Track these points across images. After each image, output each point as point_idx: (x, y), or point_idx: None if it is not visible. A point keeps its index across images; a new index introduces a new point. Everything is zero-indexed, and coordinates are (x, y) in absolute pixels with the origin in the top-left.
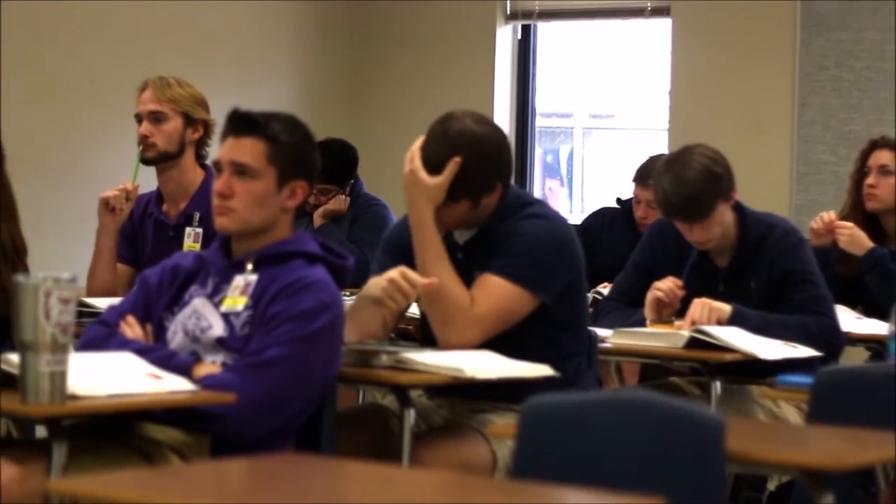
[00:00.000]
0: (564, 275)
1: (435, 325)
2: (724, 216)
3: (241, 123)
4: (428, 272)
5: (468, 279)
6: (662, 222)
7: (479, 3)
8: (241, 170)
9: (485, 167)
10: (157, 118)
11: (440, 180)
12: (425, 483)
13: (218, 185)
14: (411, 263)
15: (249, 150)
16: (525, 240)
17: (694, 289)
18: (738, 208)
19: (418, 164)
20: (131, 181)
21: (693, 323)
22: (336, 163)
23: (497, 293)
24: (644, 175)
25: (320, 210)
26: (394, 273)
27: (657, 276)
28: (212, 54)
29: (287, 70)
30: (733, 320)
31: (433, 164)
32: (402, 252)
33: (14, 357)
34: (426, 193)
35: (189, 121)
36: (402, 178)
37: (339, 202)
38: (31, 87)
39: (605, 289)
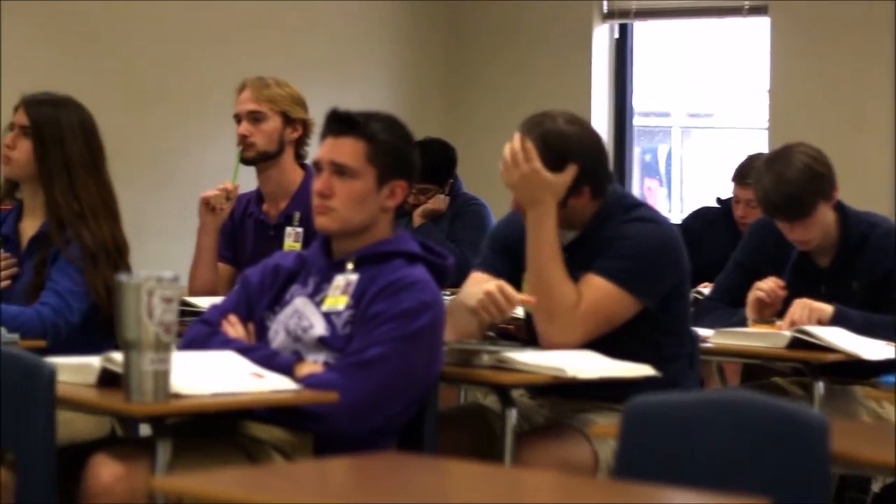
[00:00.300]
0: (668, 280)
1: (540, 321)
2: (826, 216)
3: (340, 123)
4: (541, 269)
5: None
6: (764, 221)
7: (577, 2)
8: (340, 170)
9: (589, 170)
10: (255, 118)
11: (564, 178)
12: (528, 483)
13: (318, 184)
14: (517, 260)
15: (349, 149)
16: (631, 243)
17: (795, 289)
18: (840, 207)
19: (539, 162)
20: (231, 181)
21: (793, 323)
22: (435, 162)
23: (600, 294)
24: (743, 174)
25: (420, 210)
26: (492, 286)
27: (758, 276)
28: (310, 55)
29: (385, 70)
30: (835, 321)
31: (549, 164)
32: (508, 249)
33: (118, 356)
34: (552, 190)
35: (288, 120)
36: (499, 177)
37: (439, 201)
38: (132, 89)
39: (705, 288)
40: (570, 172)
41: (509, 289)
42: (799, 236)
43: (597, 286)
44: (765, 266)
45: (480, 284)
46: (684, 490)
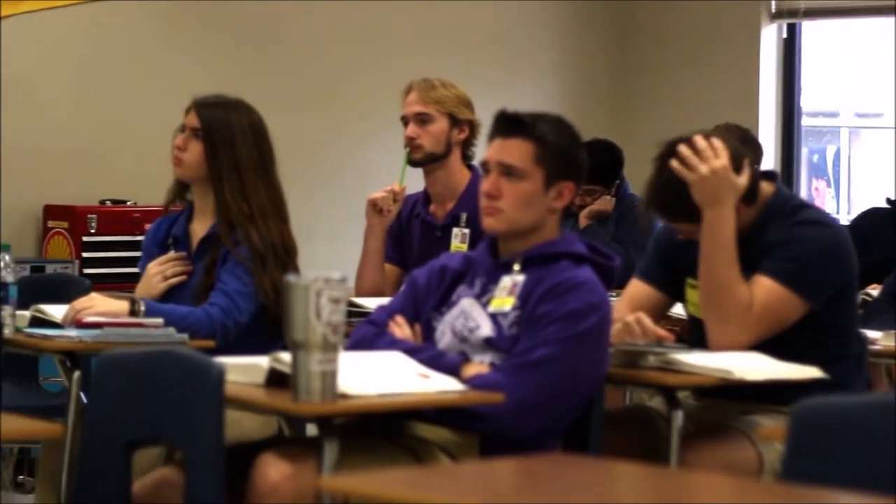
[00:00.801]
0: (836, 281)
1: (710, 322)
2: None
3: (508, 124)
4: (716, 270)
5: None
6: None
7: (744, 2)
8: (508, 170)
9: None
10: (422, 119)
11: (744, 180)
12: (694, 485)
13: (486, 185)
14: (679, 266)
15: (517, 150)
16: (801, 246)
17: None
18: None
19: (727, 159)
20: (398, 183)
21: None
22: (602, 163)
23: (770, 296)
24: None
25: (586, 211)
26: (630, 318)
27: None
28: (476, 56)
29: (551, 71)
30: None
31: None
32: (670, 254)
33: (286, 356)
34: (735, 189)
35: (454, 121)
36: None
37: (605, 203)
38: (301, 91)
39: (873, 290)
40: (748, 174)
41: (647, 321)
42: None
43: (767, 287)
44: None
45: (622, 314)
46: (853, 494)
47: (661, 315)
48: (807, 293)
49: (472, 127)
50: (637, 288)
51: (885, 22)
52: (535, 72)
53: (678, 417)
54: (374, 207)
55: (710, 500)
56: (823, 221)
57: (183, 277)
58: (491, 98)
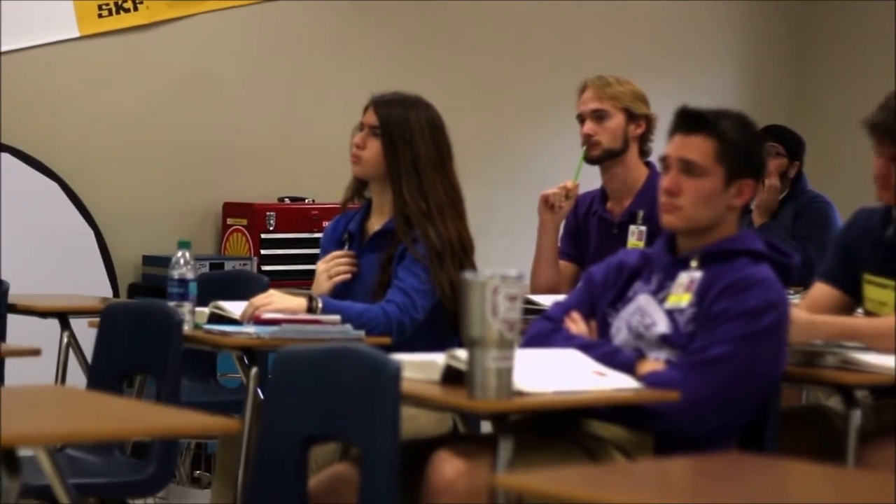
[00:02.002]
0: None
1: None
2: None
3: (690, 121)
4: None
5: None
6: None
7: None
8: (688, 167)
9: None
10: (599, 116)
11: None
12: (873, 484)
13: (666, 182)
14: (857, 266)
15: (698, 147)
16: None
17: None
18: None
19: None
20: (573, 180)
21: None
22: (788, 131)
23: None
24: None
25: (755, 209)
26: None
27: None
28: (654, 52)
29: (731, 67)
30: None
31: None
32: (848, 255)
33: (462, 353)
34: None
35: (631, 117)
36: (847, 175)
37: (771, 192)
38: (477, 88)
39: None
40: None
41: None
42: None
43: None
44: None
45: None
46: None
47: (844, 315)
48: None
49: (649, 121)
50: (820, 290)
51: None
52: (715, 69)
53: (856, 416)
54: (546, 204)
55: (889, 501)
56: None
57: (347, 276)
58: (669, 94)
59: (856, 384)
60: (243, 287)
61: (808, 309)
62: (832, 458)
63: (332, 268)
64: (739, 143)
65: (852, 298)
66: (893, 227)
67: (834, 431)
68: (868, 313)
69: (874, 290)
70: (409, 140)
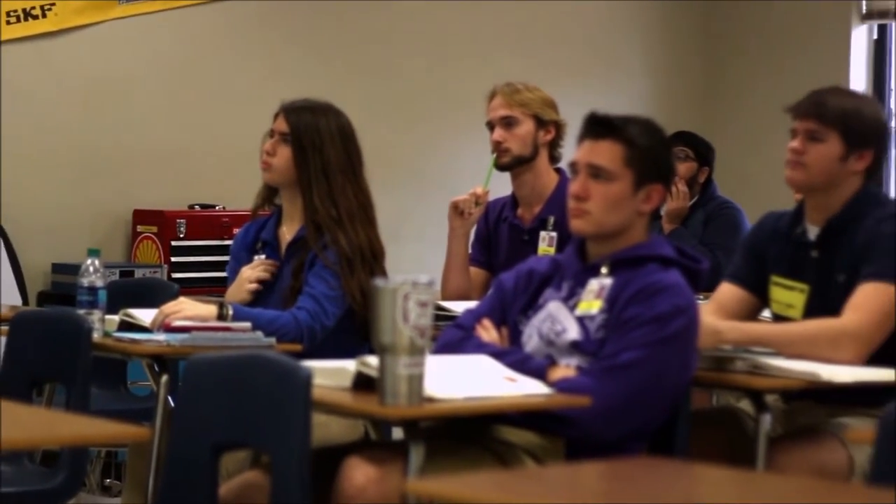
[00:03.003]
0: None
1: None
2: None
3: (598, 126)
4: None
5: (827, 280)
6: None
7: (834, 3)
8: (597, 172)
9: None
10: (508, 123)
11: None
12: (781, 488)
13: (574, 187)
14: (765, 268)
15: (606, 152)
16: (890, 240)
17: None
18: None
19: None
20: (482, 186)
21: None
22: (696, 136)
23: (880, 298)
24: None
25: (665, 215)
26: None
27: None
28: (564, 59)
29: (641, 73)
30: None
31: None
32: (756, 257)
33: (373, 360)
34: None
35: (540, 123)
36: (754, 180)
37: (680, 198)
38: (387, 95)
39: None
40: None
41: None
42: None
43: (874, 291)
44: None
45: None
46: None
47: (752, 318)
48: None
49: (558, 128)
50: (727, 291)
51: None
52: (625, 73)
53: (766, 420)
54: (456, 210)
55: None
56: None
57: (259, 286)
58: (579, 100)
59: (766, 389)
60: (153, 295)
61: (715, 309)
62: (742, 459)
63: (254, 274)
64: (647, 149)
65: (759, 300)
66: (802, 227)
67: (745, 433)
68: (775, 315)
69: (782, 293)
70: (320, 147)
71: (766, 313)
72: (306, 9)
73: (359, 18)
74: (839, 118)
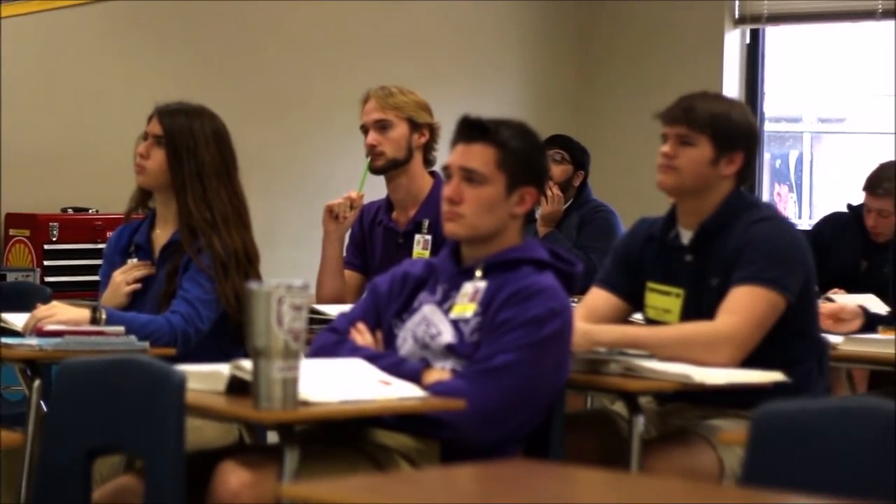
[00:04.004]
0: (801, 273)
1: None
2: None
3: (471, 130)
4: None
5: (701, 284)
6: None
7: (707, 7)
8: (470, 175)
9: None
10: (382, 126)
11: None
12: (654, 490)
13: (447, 190)
14: (636, 274)
15: (479, 156)
16: (762, 244)
17: None
18: None
19: None
20: (357, 190)
21: None
22: (570, 141)
23: (753, 302)
24: (874, 183)
25: (539, 219)
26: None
27: None
28: (439, 61)
29: (515, 76)
30: None
31: None
32: (628, 263)
33: (247, 363)
34: None
35: (414, 126)
36: (628, 181)
37: (554, 202)
38: (262, 98)
39: (835, 295)
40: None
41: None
42: None
43: (747, 295)
44: None
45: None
46: (812, 497)
47: (622, 324)
48: (782, 286)
49: (433, 130)
50: (597, 296)
51: (848, 27)
52: (499, 76)
53: (639, 423)
54: (331, 214)
55: None
56: (774, 217)
57: (138, 286)
58: (454, 103)
59: (639, 391)
60: (26, 299)
61: (585, 314)
62: (617, 462)
63: (129, 276)
64: (520, 152)
65: (629, 305)
66: (675, 232)
67: (619, 435)
68: (649, 320)
69: (658, 298)
70: (194, 150)
71: (638, 316)
72: (181, 10)
73: (233, 21)
74: (709, 122)
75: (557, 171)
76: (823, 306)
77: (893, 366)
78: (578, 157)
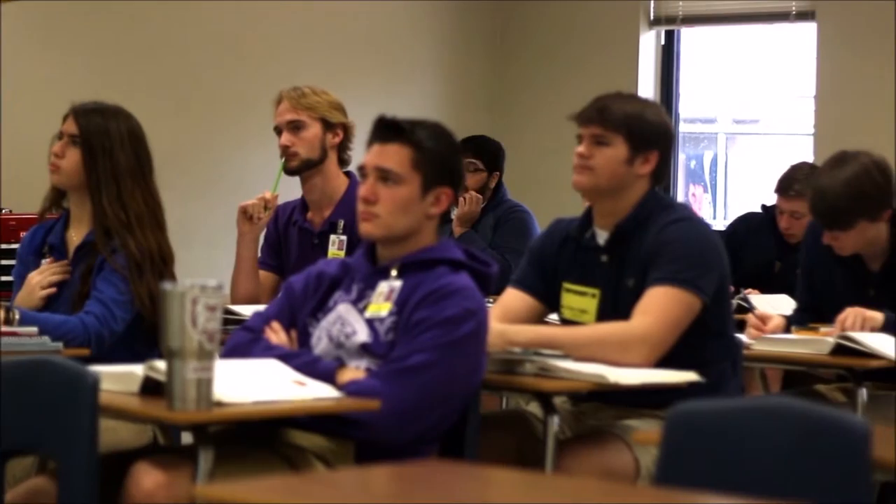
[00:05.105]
0: (717, 273)
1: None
2: (868, 230)
3: (386, 130)
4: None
5: (617, 284)
6: (816, 222)
7: (623, 9)
8: (385, 175)
9: None
10: (295, 126)
11: None
12: (568, 490)
13: (363, 190)
14: (552, 275)
15: (394, 156)
16: (678, 245)
17: (845, 290)
18: (893, 217)
19: None
20: (271, 191)
21: (844, 330)
22: (483, 144)
23: (668, 303)
24: (786, 186)
25: (456, 219)
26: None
27: (816, 277)
28: (354, 61)
29: (430, 75)
30: (885, 329)
31: None
32: (544, 264)
33: (161, 364)
34: None
35: (328, 126)
36: (544, 182)
37: (472, 202)
38: (180, 99)
39: (750, 295)
40: None
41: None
42: (834, 242)
43: (662, 296)
44: (819, 267)
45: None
46: (726, 497)
47: (537, 323)
48: (697, 287)
49: (346, 130)
50: (512, 297)
51: (762, 29)
52: (415, 76)
53: (554, 423)
54: (245, 215)
55: None
56: (689, 217)
57: (54, 289)
58: (370, 103)
59: (553, 391)
60: None
61: (500, 315)
62: (532, 462)
63: (45, 279)
64: (435, 152)
65: (544, 306)
66: (591, 232)
67: (534, 435)
68: (565, 321)
69: (574, 298)
70: (109, 150)
71: (553, 317)
72: (97, 10)
73: (149, 21)
74: (623, 122)
75: (472, 179)
76: (749, 317)
77: (806, 366)
78: (492, 159)
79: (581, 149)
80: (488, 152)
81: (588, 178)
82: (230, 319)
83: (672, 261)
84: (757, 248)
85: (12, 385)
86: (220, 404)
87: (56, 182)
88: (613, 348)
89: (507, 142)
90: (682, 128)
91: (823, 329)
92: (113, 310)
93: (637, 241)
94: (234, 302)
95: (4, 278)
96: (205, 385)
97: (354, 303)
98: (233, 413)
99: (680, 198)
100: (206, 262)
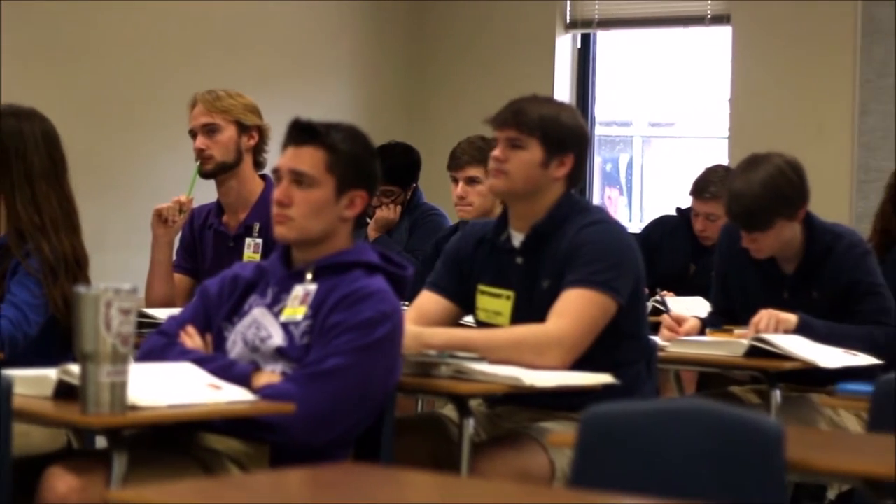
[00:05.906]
0: (632, 274)
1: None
2: (785, 231)
3: (301, 132)
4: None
5: (532, 286)
6: (731, 225)
7: (539, 11)
8: (299, 178)
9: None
10: (210, 129)
11: None
12: (484, 493)
13: (277, 193)
14: (467, 277)
15: (309, 158)
16: (593, 247)
17: (759, 293)
18: (807, 219)
19: None
20: (186, 194)
21: (758, 332)
22: (399, 164)
23: (584, 304)
24: (701, 188)
25: (372, 222)
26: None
27: (730, 280)
28: (270, 63)
29: (347, 78)
30: (799, 331)
31: None
32: (459, 266)
33: (75, 368)
34: None
35: (243, 128)
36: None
37: (390, 210)
38: (94, 101)
39: (665, 296)
40: None
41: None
42: (752, 245)
43: (578, 298)
44: (733, 270)
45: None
46: (640, 499)
47: (451, 326)
48: (613, 289)
49: (262, 132)
50: (427, 300)
51: (677, 32)
52: (330, 78)
53: (469, 425)
54: (160, 218)
55: None
56: (605, 220)
57: None
58: (285, 106)
59: (468, 393)
60: None
61: (416, 317)
62: (448, 465)
63: None
64: (350, 155)
65: (459, 308)
66: (507, 235)
67: (450, 439)
68: (480, 323)
69: (488, 300)
70: (23, 153)
71: (469, 319)
72: (9, 10)
73: (63, 22)
74: (538, 125)
75: (388, 211)
76: (664, 319)
77: (720, 368)
78: (405, 177)
79: (496, 152)
80: (400, 170)
81: (503, 181)
82: (145, 323)
83: (588, 263)
84: (672, 251)
85: None
86: (134, 408)
87: None
88: (529, 351)
89: (424, 143)
90: (598, 131)
91: (738, 331)
92: (27, 313)
93: (553, 243)
94: (149, 305)
95: None
96: (119, 389)
97: (269, 307)
98: (147, 417)
99: (596, 200)
100: (121, 266)
